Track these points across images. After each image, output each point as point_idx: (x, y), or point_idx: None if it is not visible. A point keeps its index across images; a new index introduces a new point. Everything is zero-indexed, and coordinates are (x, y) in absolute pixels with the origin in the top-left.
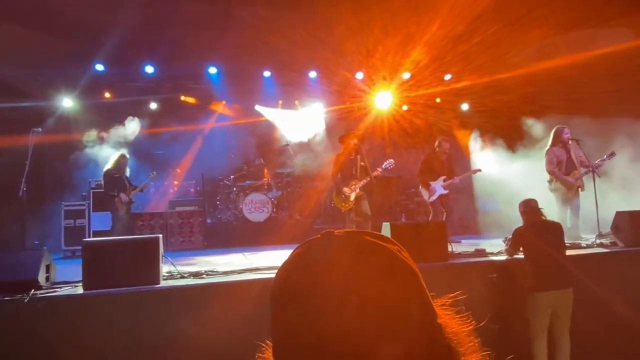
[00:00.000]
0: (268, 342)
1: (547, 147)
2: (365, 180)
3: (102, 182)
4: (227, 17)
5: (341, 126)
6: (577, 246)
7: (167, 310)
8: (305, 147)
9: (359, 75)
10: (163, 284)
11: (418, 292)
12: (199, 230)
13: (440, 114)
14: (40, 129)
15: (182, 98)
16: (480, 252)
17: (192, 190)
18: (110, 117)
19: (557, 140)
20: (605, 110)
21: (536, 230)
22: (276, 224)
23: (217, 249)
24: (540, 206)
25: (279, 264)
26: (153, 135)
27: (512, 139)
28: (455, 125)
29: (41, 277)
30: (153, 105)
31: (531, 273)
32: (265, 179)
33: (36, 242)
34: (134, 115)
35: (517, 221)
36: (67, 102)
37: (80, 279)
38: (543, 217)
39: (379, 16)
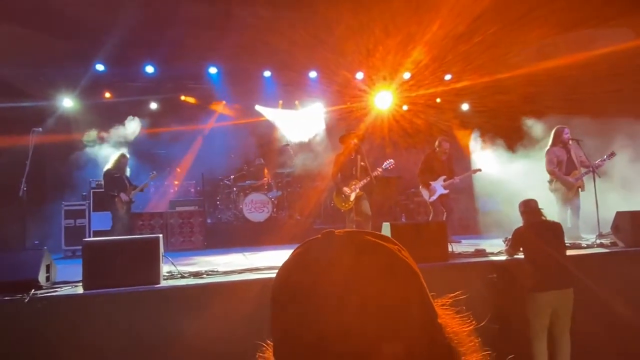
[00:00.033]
0: (269, 341)
1: (548, 147)
2: (365, 180)
3: (102, 182)
4: (227, 17)
5: (341, 126)
6: (578, 246)
7: (168, 310)
8: (305, 147)
9: (359, 75)
10: (163, 283)
11: (418, 291)
12: (199, 230)
13: (441, 114)
14: (40, 129)
15: (183, 98)
16: (481, 252)
17: (192, 190)
18: (110, 117)
19: (558, 140)
20: (606, 110)
21: (536, 231)
22: (276, 224)
23: (217, 249)
24: (540, 206)
25: (279, 264)
26: (153, 135)
27: (513, 139)
28: (455, 125)
29: (41, 277)
30: (153, 105)
31: (531, 273)
32: (266, 179)
33: (36, 242)
34: (134, 115)
35: (517, 221)
36: (67, 102)
37: (81, 278)
38: (543, 217)
39: (379, 16)
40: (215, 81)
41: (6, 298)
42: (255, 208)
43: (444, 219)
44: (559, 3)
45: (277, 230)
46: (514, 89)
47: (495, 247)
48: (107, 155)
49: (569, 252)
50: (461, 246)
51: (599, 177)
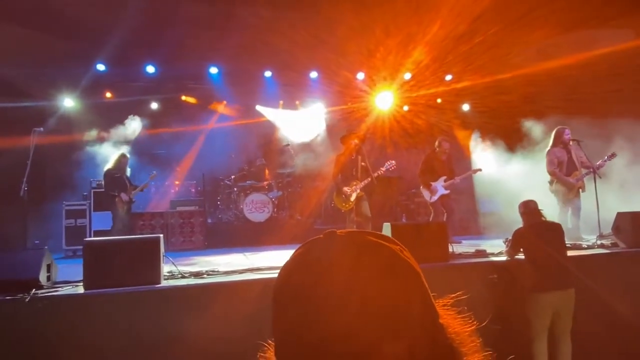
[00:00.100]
0: (270, 341)
1: (548, 148)
2: (366, 181)
3: (103, 182)
4: (228, 17)
5: (342, 126)
6: (578, 247)
7: (168, 310)
8: (306, 147)
9: (360, 76)
10: (164, 283)
11: (420, 292)
12: (200, 230)
13: (441, 114)
14: (41, 129)
15: (183, 98)
16: (481, 253)
17: (193, 190)
18: (111, 117)
19: (558, 141)
20: (606, 110)
21: (536, 231)
22: (277, 224)
23: (217, 249)
24: (540, 207)
25: (280, 264)
26: (154, 135)
27: (513, 139)
28: (456, 125)
29: (42, 277)
30: (154, 105)
31: (532, 273)
32: (266, 179)
33: (37, 241)
34: (135, 115)
35: (518, 222)
36: (68, 102)
37: (81, 278)
38: (543, 218)
39: (380, 16)
40: (216, 81)
41: (7, 298)
42: (256, 208)
43: (444, 219)
44: (560, 3)
45: (277, 231)
46: (514, 89)
47: (495, 248)
48: (108, 155)
49: (569, 253)
50: (461, 247)
51: (600, 177)
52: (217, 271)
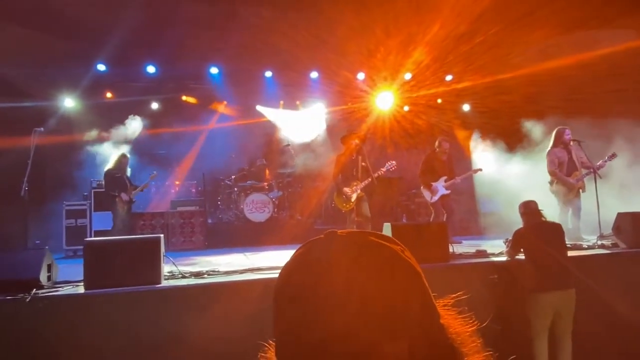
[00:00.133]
0: (271, 341)
1: (549, 148)
2: (366, 181)
3: (103, 182)
4: (229, 17)
5: (342, 126)
6: (579, 247)
7: (169, 310)
8: (306, 147)
9: (361, 76)
10: (164, 283)
11: (420, 292)
12: (200, 230)
13: (442, 114)
14: (42, 129)
15: (184, 98)
16: (481, 253)
17: (193, 190)
18: (111, 117)
19: (559, 141)
20: (608, 110)
21: (536, 232)
22: (277, 224)
23: (218, 249)
24: (540, 207)
25: (280, 264)
26: (154, 135)
27: (514, 139)
28: (456, 125)
29: (43, 277)
30: (154, 105)
31: (533, 274)
32: (267, 179)
33: (38, 241)
34: (135, 115)
35: (518, 222)
36: (68, 102)
37: (82, 278)
38: (543, 219)
39: (380, 16)
40: (217, 81)
41: (8, 297)
42: (256, 208)
43: (444, 219)
44: (560, 3)
45: (277, 231)
46: (515, 89)
47: (496, 248)
48: (109, 155)
49: (570, 253)
50: (462, 247)
51: (600, 178)
52: (218, 271)
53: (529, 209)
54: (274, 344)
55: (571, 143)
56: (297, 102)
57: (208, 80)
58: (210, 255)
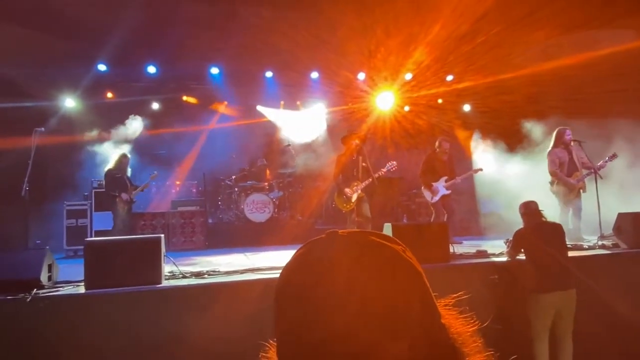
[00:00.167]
0: (272, 341)
1: (549, 149)
2: (367, 182)
3: (104, 182)
4: (229, 17)
5: (343, 127)
6: (579, 248)
7: (169, 310)
8: (307, 147)
9: (361, 76)
10: (165, 283)
11: (421, 292)
12: (201, 230)
13: (442, 114)
14: (42, 129)
15: (184, 98)
16: (482, 253)
17: (194, 190)
18: (112, 117)
19: (559, 141)
20: (608, 110)
21: (537, 232)
22: (277, 225)
23: (218, 249)
24: (541, 208)
25: (281, 264)
26: (155, 135)
27: (514, 140)
28: (457, 126)
29: (43, 277)
30: (155, 106)
31: (533, 274)
32: (267, 179)
33: (38, 241)
34: (136, 115)
35: (518, 222)
36: (69, 102)
37: (82, 278)
38: (543, 219)
39: (381, 17)
40: (217, 81)
41: (8, 297)
42: (257, 208)
43: (445, 220)
44: (561, 4)
45: (278, 231)
46: (516, 89)
47: (496, 248)
48: (109, 155)
49: (570, 254)
50: (462, 247)
51: (601, 178)
52: (218, 271)
53: (529, 210)
54: (275, 343)
55: (572, 143)
56: (298, 103)
57: (208, 80)
58: (211, 255)
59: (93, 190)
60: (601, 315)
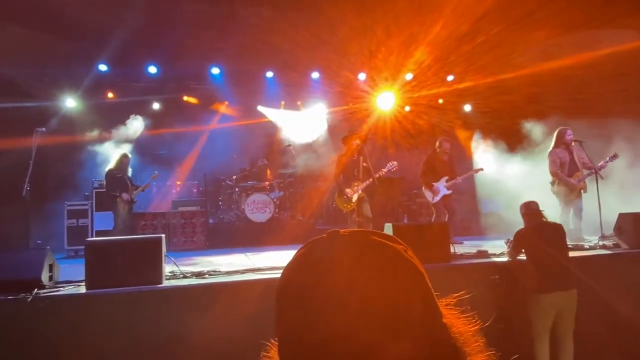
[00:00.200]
0: (273, 341)
1: (550, 149)
2: (368, 182)
3: (104, 182)
4: (230, 17)
5: (344, 127)
6: (580, 248)
7: (170, 310)
8: (307, 147)
9: (362, 76)
10: (165, 283)
11: (422, 292)
12: (201, 230)
13: (443, 114)
14: (43, 129)
15: (185, 98)
16: (483, 254)
17: (195, 190)
18: (113, 117)
19: (560, 141)
20: (609, 110)
21: (537, 232)
22: (278, 225)
23: (219, 249)
24: (541, 208)
25: (281, 264)
26: (156, 135)
27: (515, 140)
28: (457, 126)
29: (44, 277)
30: (156, 106)
31: (534, 274)
32: (268, 179)
33: (39, 241)
34: (136, 115)
35: (519, 222)
36: (70, 102)
37: (83, 278)
38: (544, 219)
39: (382, 17)
40: (218, 81)
41: (9, 297)
42: (257, 208)
43: (446, 220)
44: (562, 3)
45: (279, 231)
46: (517, 89)
47: (497, 249)
48: (110, 155)
49: (571, 254)
50: (463, 247)
51: (602, 178)
52: (219, 271)
53: (530, 210)
54: (276, 343)
55: (573, 143)
56: (298, 103)
57: (209, 80)
58: (212, 255)
59: (94, 190)
60: (602, 316)
